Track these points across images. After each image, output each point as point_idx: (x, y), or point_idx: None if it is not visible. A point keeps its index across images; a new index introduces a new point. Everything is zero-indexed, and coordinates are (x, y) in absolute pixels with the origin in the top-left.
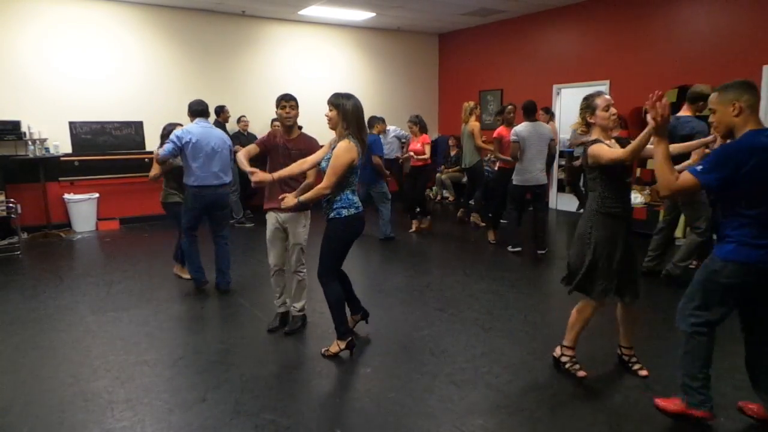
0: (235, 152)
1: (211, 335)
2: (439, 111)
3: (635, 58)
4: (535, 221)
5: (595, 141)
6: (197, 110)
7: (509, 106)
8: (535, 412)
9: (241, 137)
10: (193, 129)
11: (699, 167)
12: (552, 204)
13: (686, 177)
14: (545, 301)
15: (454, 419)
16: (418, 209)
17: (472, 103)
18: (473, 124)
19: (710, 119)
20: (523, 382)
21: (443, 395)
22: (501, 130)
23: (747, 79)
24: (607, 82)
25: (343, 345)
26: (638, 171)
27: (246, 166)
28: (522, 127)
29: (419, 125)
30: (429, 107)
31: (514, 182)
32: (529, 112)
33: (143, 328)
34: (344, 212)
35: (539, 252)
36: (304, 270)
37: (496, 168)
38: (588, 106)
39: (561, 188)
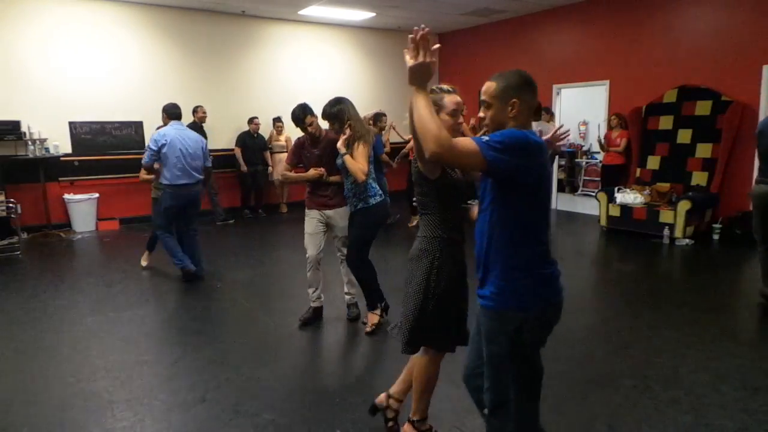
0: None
1: (211, 335)
2: None
3: (635, 58)
4: None
5: None
6: (173, 113)
7: None
8: None
9: (248, 139)
10: (168, 131)
11: (486, 138)
12: (552, 204)
13: (467, 143)
14: None
15: (454, 419)
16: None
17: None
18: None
19: (481, 113)
20: None
21: (443, 395)
22: None
23: (523, 71)
24: (607, 82)
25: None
26: (638, 171)
27: (308, 175)
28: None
29: None
30: None
31: None
32: (535, 112)
33: (143, 328)
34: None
35: None
36: None
37: None
38: (435, 102)
39: (561, 188)
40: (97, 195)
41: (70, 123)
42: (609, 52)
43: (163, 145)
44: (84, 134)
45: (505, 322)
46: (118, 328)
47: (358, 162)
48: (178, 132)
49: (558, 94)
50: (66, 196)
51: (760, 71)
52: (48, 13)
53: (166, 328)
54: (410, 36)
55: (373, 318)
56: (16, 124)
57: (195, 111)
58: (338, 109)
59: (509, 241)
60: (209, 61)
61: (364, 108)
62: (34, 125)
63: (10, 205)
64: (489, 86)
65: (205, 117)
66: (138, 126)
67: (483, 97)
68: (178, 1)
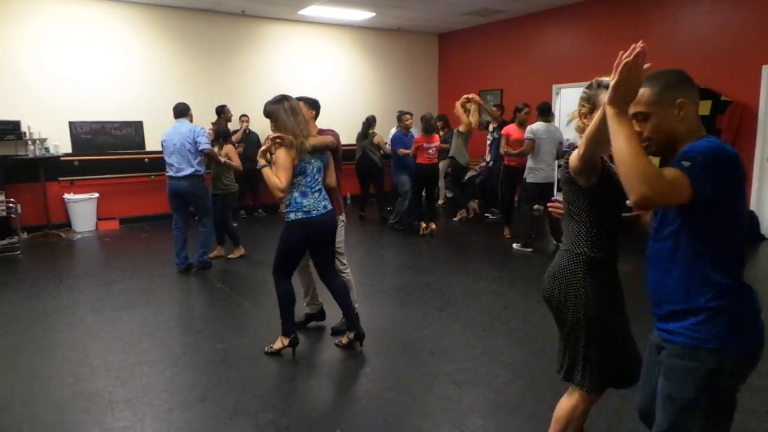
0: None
1: (211, 335)
2: (439, 111)
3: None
4: (550, 216)
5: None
6: (174, 111)
7: (526, 108)
8: (535, 412)
9: (242, 135)
10: (167, 130)
11: (687, 163)
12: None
13: (676, 174)
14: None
15: (454, 419)
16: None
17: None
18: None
19: (637, 128)
20: (523, 382)
21: (443, 395)
22: (510, 128)
23: (679, 69)
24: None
25: (286, 341)
26: None
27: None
28: (537, 126)
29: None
30: (429, 107)
31: (528, 180)
32: (545, 113)
33: (143, 328)
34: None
35: (559, 244)
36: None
37: (478, 169)
38: (588, 98)
39: (560, 188)
40: (97, 195)
41: (70, 123)
42: (609, 52)
43: (162, 142)
44: (84, 134)
45: (700, 359)
46: (118, 328)
47: (278, 174)
48: (172, 129)
49: (558, 94)
50: (66, 195)
51: (760, 71)
52: (48, 12)
53: (166, 328)
54: (623, 52)
55: (277, 343)
56: (16, 124)
57: (221, 111)
58: (271, 109)
59: (713, 265)
60: (209, 60)
61: (363, 108)
62: (34, 125)
63: (10, 205)
64: (642, 94)
65: (231, 116)
66: (138, 126)
67: (638, 109)
68: (179, 1)
